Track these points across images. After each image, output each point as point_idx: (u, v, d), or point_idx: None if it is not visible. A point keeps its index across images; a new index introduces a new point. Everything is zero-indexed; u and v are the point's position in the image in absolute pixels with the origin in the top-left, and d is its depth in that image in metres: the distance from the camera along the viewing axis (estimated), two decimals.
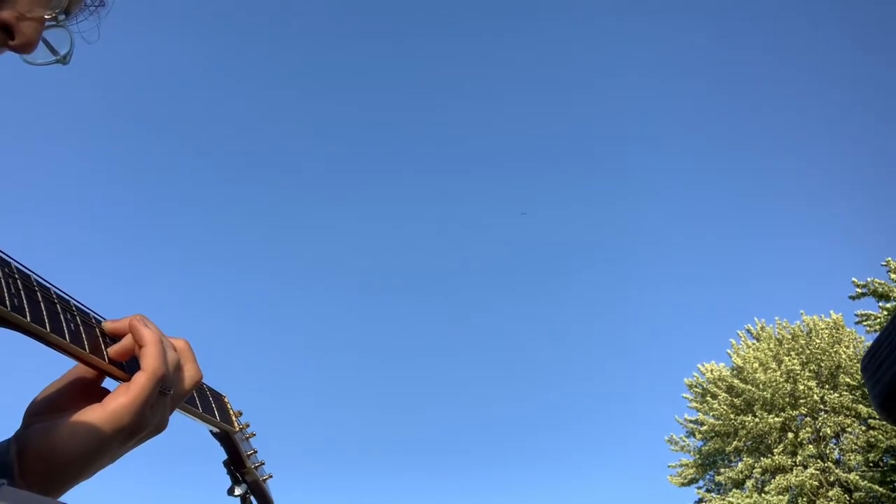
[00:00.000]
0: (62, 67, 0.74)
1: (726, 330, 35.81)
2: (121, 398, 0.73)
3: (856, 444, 19.47)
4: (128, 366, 0.77)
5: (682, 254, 39.34)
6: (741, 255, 37.32)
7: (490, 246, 44.37)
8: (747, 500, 19.39)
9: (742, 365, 21.04)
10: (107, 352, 0.76)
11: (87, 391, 0.78)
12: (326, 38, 45.79)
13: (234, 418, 1.04)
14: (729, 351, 22.37)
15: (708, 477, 22.17)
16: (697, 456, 22.15)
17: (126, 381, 0.76)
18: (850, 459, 19.55)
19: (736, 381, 20.94)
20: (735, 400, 21.00)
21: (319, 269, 45.84)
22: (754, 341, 22.35)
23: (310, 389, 43.37)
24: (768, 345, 21.62)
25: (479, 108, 45.65)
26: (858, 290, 17.61)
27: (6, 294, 0.66)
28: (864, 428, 19.36)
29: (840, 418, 19.81)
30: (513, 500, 33.66)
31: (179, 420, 0.89)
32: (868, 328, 18.06)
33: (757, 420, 20.10)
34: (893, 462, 18.47)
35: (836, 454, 19.88)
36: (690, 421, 22.35)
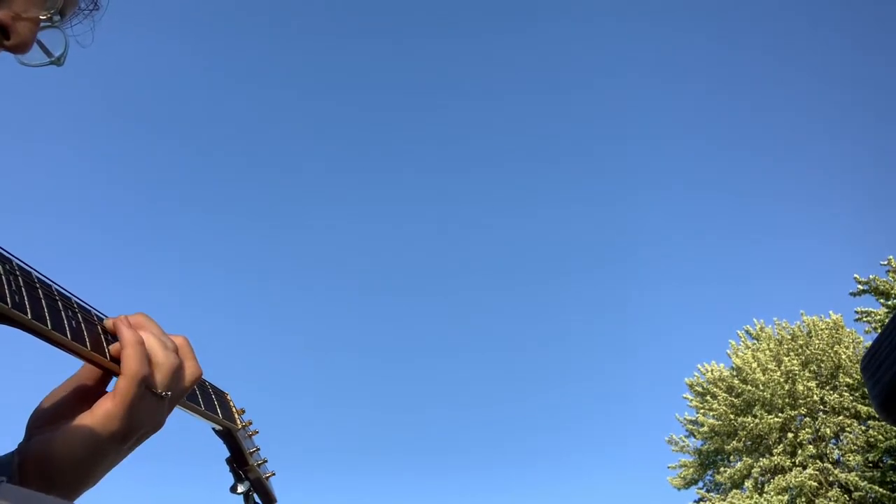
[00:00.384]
0: (62, 67, 0.74)
1: (726, 330, 35.85)
2: (107, 403, 0.73)
3: (855, 444, 19.47)
4: None
5: (682, 254, 39.37)
6: (741, 255, 37.36)
7: (490, 246, 44.41)
8: (748, 500, 19.38)
9: (741, 366, 21.03)
10: (108, 349, 0.76)
11: (88, 398, 0.78)
12: (326, 38, 45.82)
13: (236, 416, 1.04)
14: (728, 351, 22.38)
15: (707, 477, 22.17)
16: (697, 456, 22.15)
17: None
18: (849, 460, 19.54)
19: (736, 381, 20.94)
20: (735, 400, 21.00)
21: (319, 269, 45.85)
22: (754, 342, 22.34)
23: (310, 389, 43.40)
24: (768, 345, 21.61)
25: (479, 108, 45.68)
26: (860, 286, 17.65)
27: (7, 291, 0.66)
28: (863, 428, 19.36)
29: (840, 418, 19.81)
30: (513, 500, 33.69)
31: (182, 418, 0.89)
32: (868, 327, 18.09)
33: (757, 420, 20.10)
34: (893, 462, 18.46)
35: (835, 454, 19.87)
36: (690, 420, 22.36)
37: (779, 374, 20.27)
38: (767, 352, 21.28)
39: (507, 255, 43.21)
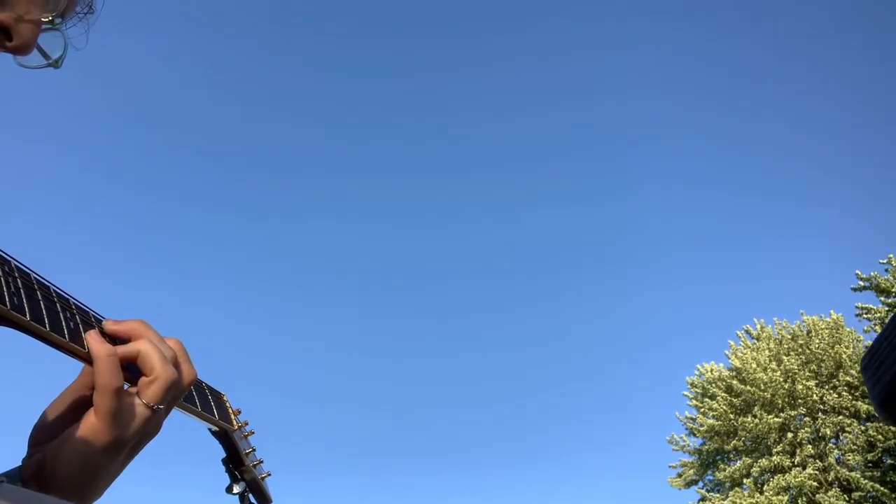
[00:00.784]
0: (61, 68, 0.74)
1: (726, 330, 35.80)
2: (91, 417, 0.73)
3: (855, 443, 19.48)
4: (128, 369, 0.76)
5: (682, 254, 39.35)
6: (741, 255, 37.37)
7: (490, 245, 44.42)
8: (749, 499, 19.38)
9: (740, 366, 21.04)
10: None
11: (86, 408, 0.76)
12: (326, 38, 45.81)
13: (232, 416, 1.04)
14: (727, 352, 22.38)
15: (708, 477, 22.18)
16: (698, 455, 22.16)
17: (130, 383, 0.76)
18: (849, 459, 19.55)
19: (735, 381, 20.95)
20: (734, 400, 21.00)
21: (318, 269, 45.87)
22: (754, 342, 22.34)
23: (308, 389, 43.41)
24: (767, 345, 21.61)
25: (480, 108, 45.69)
26: (861, 282, 17.71)
27: (6, 292, 0.66)
28: (863, 428, 19.37)
29: (839, 418, 19.81)
30: (513, 500, 33.71)
31: (178, 419, 0.89)
32: (867, 325, 18.13)
33: (756, 420, 20.10)
34: (893, 462, 18.48)
35: (835, 454, 19.87)
36: (690, 419, 22.37)
37: (779, 373, 20.28)
38: (767, 352, 21.28)
39: (507, 254, 43.27)
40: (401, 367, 42.31)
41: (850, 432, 19.83)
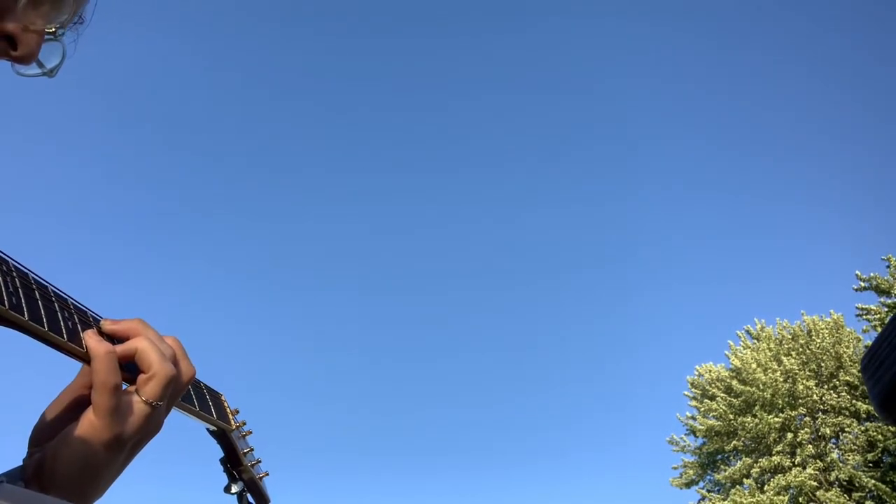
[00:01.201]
0: (62, 67, 0.75)
1: (726, 330, 35.78)
2: (89, 416, 0.73)
3: (855, 443, 19.48)
4: (127, 368, 0.76)
5: (682, 254, 39.33)
6: (741, 255, 37.36)
7: (490, 246, 44.43)
8: (749, 499, 19.38)
9: (740, 366, 21.05)
10: None
11: (85, 408, 0.76)
12: (326, 38, 45.81)
13: (230, 416, 1.04)
14: (727, 353, 22.38)
15: (708, 478, 22.20)
16: (698, 455, 22.17)
17: (129, 382, 0.76)
18: (849, 459, 19.56)
19: (734, 381, 20.96)
20: (734, 400, 21.01)
21: (317, 269, 45.88)
22: (754, 342, 22.34)
23: (306, 389, 43.43)
24: (767, 345, 21.62)
25: (479, 108, 45.69)
26: (862, 283, 17.73)
27: (4, 292, 0.66)
28: (863, 428, 19.38)
29: (839, 418, 19.82)
30: (513, 500, 33.73)
31: (177, 418, 0.89)
32: (867, 325, 18.13)
33: (756, 420, 20.11)
34: (893, 461, 18.48)
35: (835, 454, 19.88)
36: (691, 418, 22.38)
37: (779, 373, 20.29)
38: (767, 351, 21.29)
39: (507, 254, 43.26)
40: (400, 367, 42.36)
41: (850, 432, 19.84)
